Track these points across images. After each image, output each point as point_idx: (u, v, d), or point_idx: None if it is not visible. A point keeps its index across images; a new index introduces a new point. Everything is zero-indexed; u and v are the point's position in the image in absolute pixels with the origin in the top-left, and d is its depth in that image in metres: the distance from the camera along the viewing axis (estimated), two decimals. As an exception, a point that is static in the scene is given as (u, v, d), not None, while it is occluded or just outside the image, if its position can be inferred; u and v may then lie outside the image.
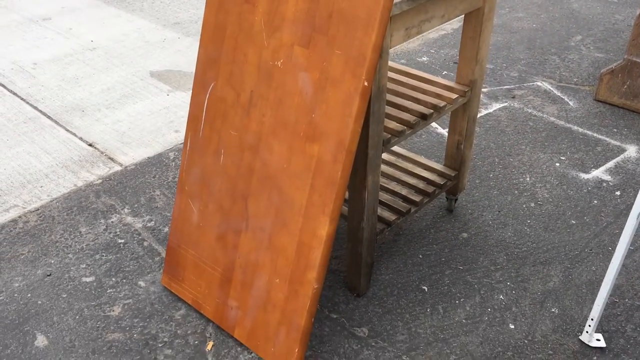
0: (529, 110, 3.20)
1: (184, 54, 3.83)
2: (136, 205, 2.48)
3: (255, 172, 1.79)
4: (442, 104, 2.03)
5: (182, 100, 3.30)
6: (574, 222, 2.41)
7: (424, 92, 2.11)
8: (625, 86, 3.17)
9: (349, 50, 1.55)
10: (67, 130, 3.00)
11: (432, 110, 1.99)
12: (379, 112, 1.75)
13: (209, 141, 1.91)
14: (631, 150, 2.87)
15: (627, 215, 2.44)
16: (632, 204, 2.51)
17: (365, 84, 1.53)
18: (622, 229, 2.37)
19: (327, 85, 1.60)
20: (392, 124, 1.94)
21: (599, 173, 2.71)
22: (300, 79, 1.66)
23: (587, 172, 2.71)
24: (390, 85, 2.14)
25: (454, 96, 2.07)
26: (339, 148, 1.59)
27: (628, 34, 4.06)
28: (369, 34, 1.51)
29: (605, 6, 4.52)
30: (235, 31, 1.79)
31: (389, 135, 1.89)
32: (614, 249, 2.27)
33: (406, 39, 1.77)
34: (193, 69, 3.63)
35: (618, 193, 2.58)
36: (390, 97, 2.07)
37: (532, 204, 2.51)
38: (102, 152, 2.84)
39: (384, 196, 2.21)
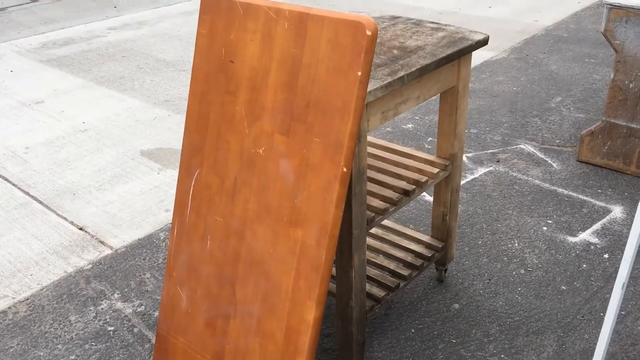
0: (514, 174, 3.25)
1: (174, 131, 3.90)
2: (126, 289, 2.48)
3: (242, 257, 1.80)
4: (424, 179, 2.06)
5: (172, 178, 3.34)
6: (564, 287, 2.42)
7: (406, 167, 2.15)
8: (606, 147, 3.23)
9: (327, 137, 1.59)
10: (58, 215, 3.03)
11: (414, 186, 2.03)
12: (360, 194, 1.78)
13: (195, 227, 1.93)
14: (616, 211, 2.90)
15: (615, 279, 2.45)
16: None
17: (344, 170, 1.57)
18: (611, 292, 2.37)
19: (308, 171, 1.64)
20: (376, 202, 1.97)
21: (586, 236, 2.73)
22: (281, 166, 1.69)
23: (574, 236, 2.73)
24: (371, 162, 2.19)
25: (436, 170, 2.11)
26: (322, 233, 1.61)
27: (606, 94, 4.16)
28: (345, 122, 1.55)
29: (583, 66, 4.66)
30: (218, 120, 1.84)
31: (373, 214, 1.92)
32: (605, 315, 2.26)
33: (383, 121, 1.82)
34: (183, 146, 3.70)
35: (606, 256, 2.59)
36: (372, 174, 2.11)
37: (522, 271, 2.52)
38: (92, 236, 2.85)
39: (372, 271, 2.21)
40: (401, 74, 1.73)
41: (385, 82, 1.69)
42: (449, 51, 1.88)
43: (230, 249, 1.83)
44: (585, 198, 3.01)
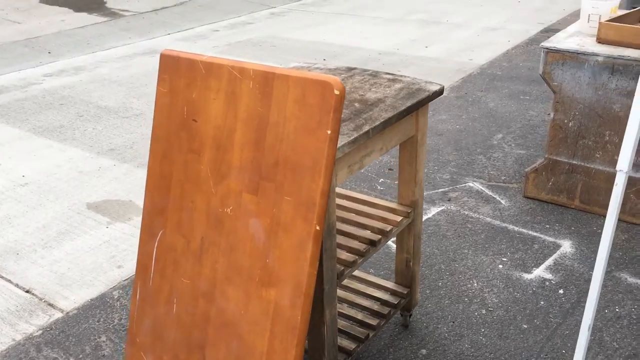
0: (466, 212, 3.32)
1: (121, 181, 3.80)
2: (81, 356, 2.36)
3: (211, 320, 1.75)
4: (388, 227, 2.08)
5: (122, 231, 3.24)
6: (525, 326, 2.46)
7: (369, 216, 2.16)
8: (550, 183, 3.35)
9: (298, 196, 1.58)
10: (2, 277, 2.87)
11: (380, 236, 2.04)
12: (331, 249, 1.77)
13: (159, 290, 1.87)
14: (566, 246, 3.00)
15: (573, 314, 2.52)
16: (576, 301, 2.60)
17: (317, 228, 1.56)
18: (571, 329, 2.44)
19: (279, 230, 1.62)
20: (344, 255, 1.96)
21: (540, 272, 2.80)
22: (251, 225, 1.67)
23: (529, 272, 2.80)
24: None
25: (399, 218, 2.13)
26: (296, 292, 1.59)
27: (543, 129, 4.34)
28: (316, 181, 1.55)
29: (519, 103, 4.85)
30: (182, 179, 1.81)
31: (342, 267, 1.91)
32: (567, 352, 2.32)
33: (349, 174, 1.83)
34: (132, 197, 3.60)
35: (561, 291, 2.67)
36: (337, 224, 2.11)
37: (484, 311, 2.55)
38: (40, 299, 2.72)
39: (341, 322, 2.19)
40: (366, 128, 1.75)
41: (351, 138, 1.70)
42: (409, 103, 1.91)
43: (199, 312, 1.78)
44: (535, 234, 3.10)
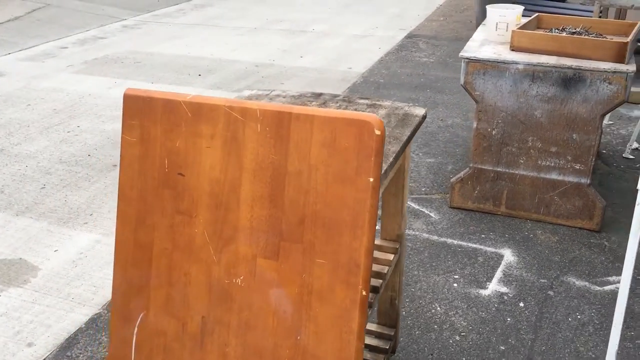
0: (399, 230, 3.21)
1: (0, 236, 3.21)
2: None
3: (225, 415, 1.44)
4: (384, 269, 1.88)
5: (21, 299, 2.71)
6: (503, 347, 2.39)
7: (355, 257, 1.95)
8: (476, 191, 3.35)
9: (334, 257, 1.33)
10: None
11: (380, 280, 1.83)
12: (355, 309, 1.53)
13: (146, 386, 1.51)
14: (508, 255, 2.99)
15: (542, 327, 2.50)
16: (539, 313, 2.58)
17: (363, 293, 1.32)
18: (546, 344, 2.40)
19: (312, 300, 1.35)
20: (350, 309, 1.73)
21: (494, 286, 2.76)
22: (272, 297, 1.38)
23: (484, 288, 2.75)
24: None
25: (390, 257, 1.94)
26: (343, 372, 1.34)
27: (442, 135, 4.38)
28: (358, 238, 1.31)
29: (411, 110, 4.87)
30: (168, 248, 1.46)
31: (356, 325, 1.67)
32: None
33: (362, 220, 1.60)
34: (20, 254, 3.04)
35: (522, 304, 2.64)
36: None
37: (457, 337, 2.44)
38: (-63, 402, 2.16)
39: (334, 379, 1.95)
40: (384, 167, 1.53)
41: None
42: (407, 132, 1.73)
43: (207, 408, 1.45)
44: (475, 246, 3.07)
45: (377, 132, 1.27)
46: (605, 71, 2.91)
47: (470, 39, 3.44)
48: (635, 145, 4.07)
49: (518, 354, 2.36)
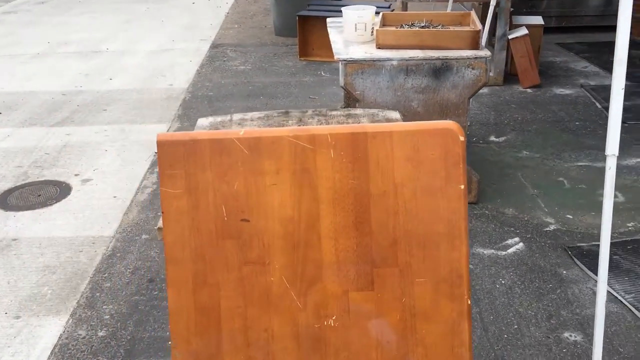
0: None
1: None
2: None
3: None
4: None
5: None
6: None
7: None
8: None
9: (434, 273, 1.29)
10: None
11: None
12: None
13: None
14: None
15: (480, 299, 2.68)
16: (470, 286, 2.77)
17: (469, 302, 1.31)
18: (490, 311, 2.59)
19: (417, 322, 1.30)
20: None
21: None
22: (372, 330, 1.30)
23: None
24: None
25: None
26: (460, 385, 1.31)
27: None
28: (457, 248, 1.29)
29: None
30: (240, 306, 1.29)
31: None
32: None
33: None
34: None
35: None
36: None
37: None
38: None
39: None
40: (424, 174, 1.52)
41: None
42: (406, 137, 1.73)
43: None
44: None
45: (462, 139, 1.26)
46: (468, 58, 3.20)
47: (332, 41, 3.52)
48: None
49: (475, 328, 2.51)
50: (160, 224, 1.32)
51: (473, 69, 3.21)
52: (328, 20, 4.00)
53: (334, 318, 1.30)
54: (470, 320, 1.32)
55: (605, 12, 7.14)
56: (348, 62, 3.19)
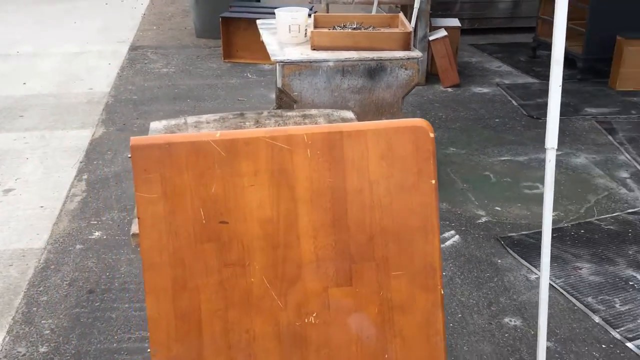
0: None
1: None
2: None
3: None
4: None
5: None
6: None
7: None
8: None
9: (410, 266, 1.34)
10: None
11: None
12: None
13: None
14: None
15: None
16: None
17: (442, 292, 1.36)
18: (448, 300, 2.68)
19: (394, 315, 1.34)
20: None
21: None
22: (352, 325, 1.33)
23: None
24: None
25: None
26: (436, 373, 1.36)
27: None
28: (430, 241, 1.34)
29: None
30: (220, 308, 1.28)
31: None
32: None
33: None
34: None
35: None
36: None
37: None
38: None
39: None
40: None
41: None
42: (363, 135, 1.77)
43: None
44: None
45: (431, 135, 1.31)
46: (401, 59, 3.29)
47: (266, 43, 3.52)
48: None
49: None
50: (134, 229, 1.29)
51: (406, 69, 3.31)
52: (258, 22, 3.99)
53: (314, 315, 1.32)
54: (443, 310, 1.38)
55: (514, 15, 7.52)
56: (285, 64, 3.20)
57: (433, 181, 1.33)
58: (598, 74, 5.75)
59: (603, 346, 2.45)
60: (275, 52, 3.30)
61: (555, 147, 1.94)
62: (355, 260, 1.32)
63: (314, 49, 3.34)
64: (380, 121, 1.34)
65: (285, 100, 3.50)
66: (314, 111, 1.93)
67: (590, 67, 5.77)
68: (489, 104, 5.10)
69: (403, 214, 1.33)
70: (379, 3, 5.06)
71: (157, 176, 1.23)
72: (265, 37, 3.68)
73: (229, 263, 1.27)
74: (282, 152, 1.27)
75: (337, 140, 1.29)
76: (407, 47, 3.35)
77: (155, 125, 1.80)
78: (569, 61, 6.02)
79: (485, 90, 5.46)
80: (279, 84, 3.26)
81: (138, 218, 1.22)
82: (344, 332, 1.33)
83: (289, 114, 1.91)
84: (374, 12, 4.84)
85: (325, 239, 1.31)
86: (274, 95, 5.35)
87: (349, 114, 1.92)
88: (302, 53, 3.28)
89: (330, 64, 3.23)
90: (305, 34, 3.51)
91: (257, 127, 1.81)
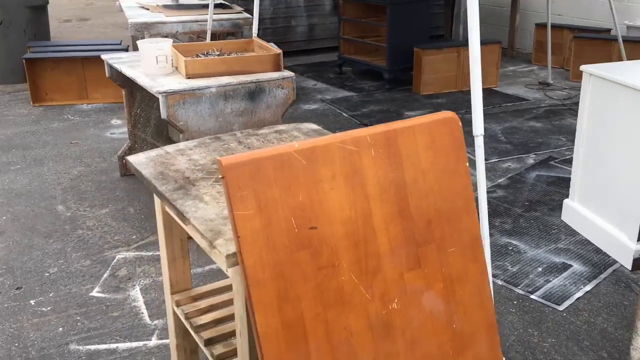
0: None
1: None
2: None
3: None
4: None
5: None
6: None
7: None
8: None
9: (461, 241, 1.50)
10: None
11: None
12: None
13: None
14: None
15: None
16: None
17: (485, 260, 1.53)
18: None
19: (455, 287, 1.49)
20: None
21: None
22: (425, 303, 1.44)
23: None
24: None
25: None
26: (492, 341, 1.52)
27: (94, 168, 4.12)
28: (472, 216, 1.51)
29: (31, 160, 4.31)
30: (319, 313, 1.31)
31: None
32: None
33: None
34: None
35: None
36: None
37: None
38: None
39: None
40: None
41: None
42: (344, 141, 1.88)
43: None
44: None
45: (460, 124, 1.49)
46: (277, 79, 3.44)
47: (132, 77, 3.41)
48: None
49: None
50: (230, 250, 1.26)
51: (282, 88, 3.45)
52: (105, 57, 3.84)
53: (395, 301, 1.40)
54: (487, 277, 1.55)
55: (310, 37, 8.09)
56: (169, 94, 3.15)
57: (467, 164, 1.51)
58: (402, 83, 6.46)
59: (515, 302, 2.83)
60: (150, 85, 3.22)
61: (483, 133, 2.24)
62: (419, 243, 1.44)
63: (189, 77, 3.33)
64: (423, 116, 1.48)
65: (177, 129, 3.42)
66: (283, 127, 1.99)
67: (395, 78, 6.46)
68: (324, 118, 5.45)
69: (450, 197, 1.48)
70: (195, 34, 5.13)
71: (250, 192, 1.22)
72: (126, 71, 3.56)
73: (322, 266, 1.30)
74: (352, 154, 1.34)
75: (392, 138, 1.40)
76: (278, 68, 3.50)
77: (134, 159, 1.72)
78: (376, 74, 6.68)
79: (314, 106, 5.81)
80: (164, 115, 3.19)
81: (238, 237, 1.20)
82: (419, 312, 1.44)
83: (262, 131, 1.95)
84: (208, 40, 4.91)
85: (395, 228, 1.40)
86: (108, 134, 5.11)
87: (314, 126, 2.02)
88: (179, 82, 3.25)
89: (213, 90, 3.25)
90: (172, 64, 3.48)
91: (242, 146, 1.82)
